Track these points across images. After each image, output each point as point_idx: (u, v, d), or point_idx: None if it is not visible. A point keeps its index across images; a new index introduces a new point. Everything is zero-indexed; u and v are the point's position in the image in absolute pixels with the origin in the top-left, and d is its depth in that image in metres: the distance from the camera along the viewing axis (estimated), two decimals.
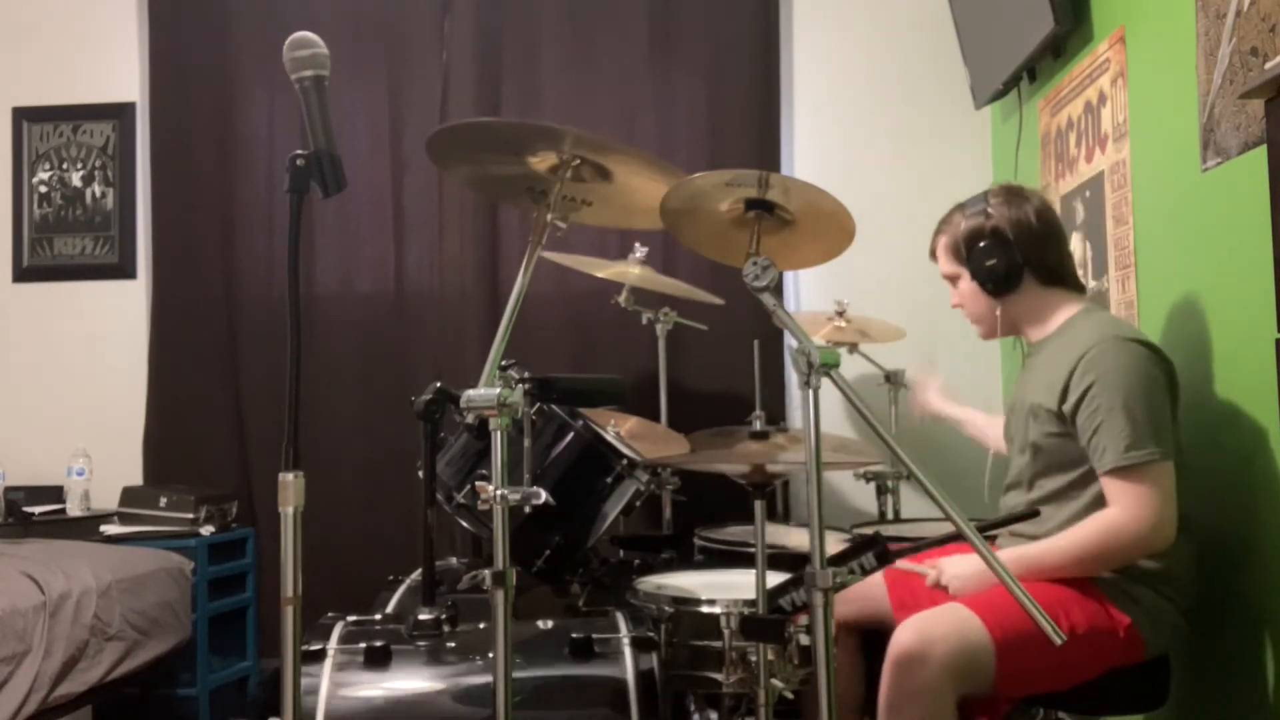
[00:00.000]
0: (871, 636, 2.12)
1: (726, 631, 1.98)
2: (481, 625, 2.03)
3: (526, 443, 2.05)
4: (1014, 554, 1.91)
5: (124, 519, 3.40)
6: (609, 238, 3.37)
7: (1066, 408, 1.91)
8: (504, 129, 2.04)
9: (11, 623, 2.45)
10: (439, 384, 2.14)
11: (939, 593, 1.98)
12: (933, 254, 2.17)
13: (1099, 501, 1.89)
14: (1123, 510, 1.83)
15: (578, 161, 1.85)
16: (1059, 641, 1.36)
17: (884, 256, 3.49)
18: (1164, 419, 1.86)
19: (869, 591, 2.11)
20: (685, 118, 3.70)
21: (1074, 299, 2.07)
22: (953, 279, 2.13)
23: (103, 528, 3.37)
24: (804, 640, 1.89)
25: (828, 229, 1.89)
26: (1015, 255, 2.01)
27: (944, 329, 3.47)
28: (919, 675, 1.77)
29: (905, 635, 1.81)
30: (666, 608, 2.09)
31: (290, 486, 1.46)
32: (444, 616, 2.03)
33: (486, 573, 1.55)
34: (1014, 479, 2.10)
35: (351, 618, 2.07)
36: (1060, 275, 2.06)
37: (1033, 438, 2.00)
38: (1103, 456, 1.85)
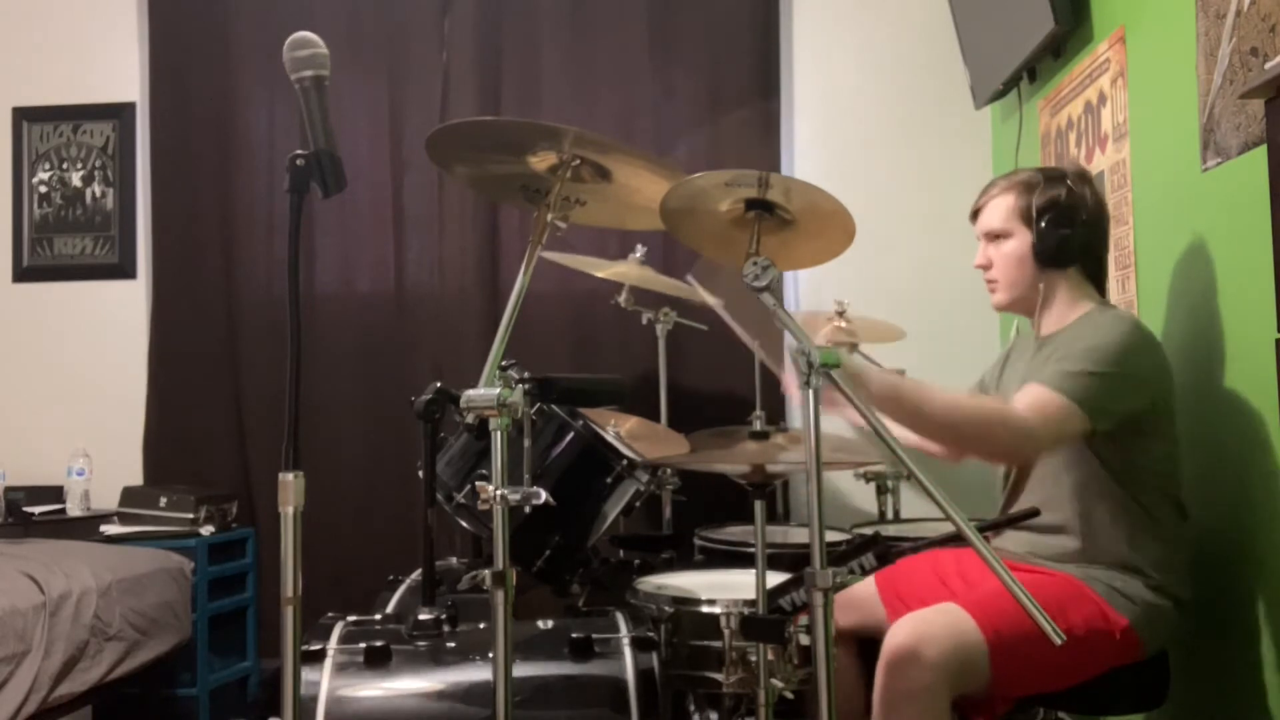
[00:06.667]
0: (870, 647, 2.11)
1: (726, 631, 1.98)
2: (481, 625, 2.03)
3: (526, 443, 2.05)
4: (897, 381, 1.88)
5: (124, 519, 3.40)
6: (609, 238, 3.37)
7: None
8: (504, 128, 2.04)
9: (11, 623, 2.45)
10: (439, 384, 2.14)
11: (930, 593, 1.98)
12: (978, 211, 2.14)
13: (1085, 481, 1.91)
14: (1028, 411, 1.85)
15: (578, 161, 1.85)
16: (1059, 641, 1.36)
17: (884, 256, 3.49)
18: (1113, 389, 1.87)
19: (862, 599, 2.11)
20: (685, 117, 3.71)
21: (1095, 298, 2.07)
22: (998, 236, 2.09)
23: (103, 528, 3.38)
24: (804, 640, 1.89)
25: (828, 229, 1.89)
26: (1079, 237, 2.03)
27: (944, 329, 3.47)
28: (913, 675, 1.77)
29: (899, 635, 1.80)
30: (666, 608, 2.09)
31: (290, 486, 1.46)
32: (444, 616, 2.03)
33: (486, 573, 1.55)
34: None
35: (351, 618, 2.08)
36: (1098, 271, 2.09)
37: None
38: (1041, 373, 1.90)
